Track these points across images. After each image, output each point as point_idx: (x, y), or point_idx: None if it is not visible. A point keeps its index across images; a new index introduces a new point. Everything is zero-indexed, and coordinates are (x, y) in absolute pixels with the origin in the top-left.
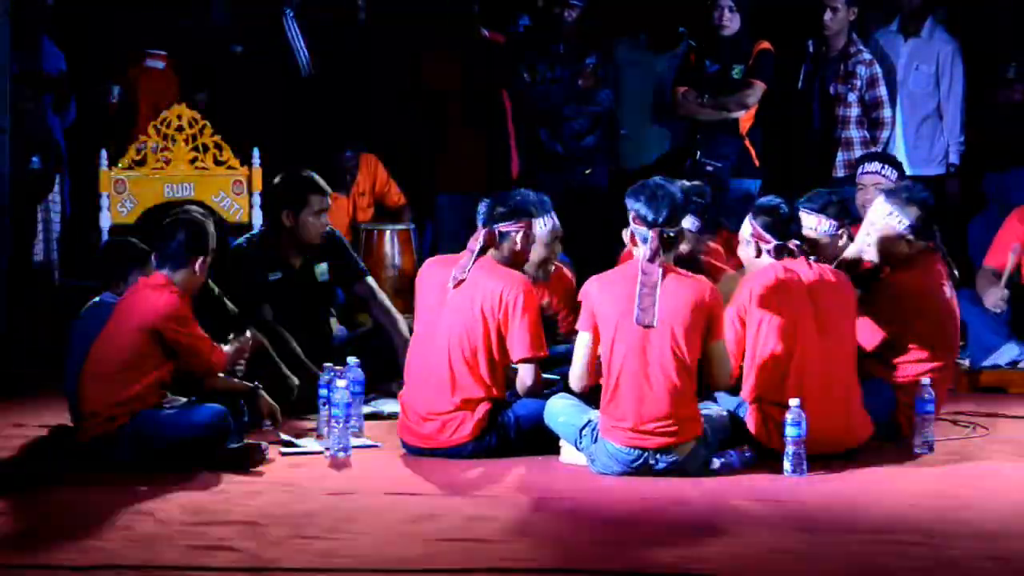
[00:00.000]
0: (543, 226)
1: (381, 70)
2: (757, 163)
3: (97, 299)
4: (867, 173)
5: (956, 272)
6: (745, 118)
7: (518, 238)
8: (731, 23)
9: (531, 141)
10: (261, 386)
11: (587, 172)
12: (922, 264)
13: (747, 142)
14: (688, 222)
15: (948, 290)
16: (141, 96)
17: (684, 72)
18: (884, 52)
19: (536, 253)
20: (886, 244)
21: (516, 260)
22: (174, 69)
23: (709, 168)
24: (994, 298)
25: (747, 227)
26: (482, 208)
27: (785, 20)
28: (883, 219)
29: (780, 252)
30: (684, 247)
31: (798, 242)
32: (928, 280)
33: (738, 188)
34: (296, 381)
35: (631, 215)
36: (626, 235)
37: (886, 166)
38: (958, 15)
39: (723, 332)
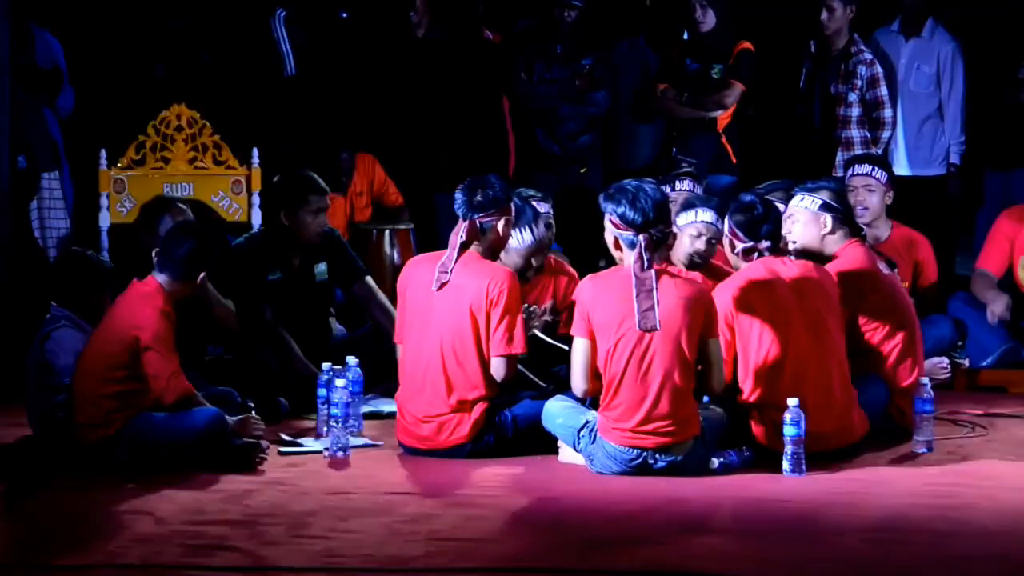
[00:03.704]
0: (519, 241)
1: (377, 69)
2: (735, 160)
3: (53, 319)
4: (858, 175)
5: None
6: (723, 116)
7: (499, 226)
8: (705, 18)
9: (527, 141)
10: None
11: (582, 172)
12: (850, 252)
13: (724, 140)
14: (709, 215)
15: (884, 268)
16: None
17: (665, 69)
18: (885, 52)
19: (511, 262)
20: (812, 242)
21: (497, 248)
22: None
23: (685, 165)
24: (999, 309)
25: (726, 222)
26: (459, 198)
27: (786, 20)
28: (807, 219)
29: (748, 254)
30: (699, 245)
31: (769, 243)
32: (860, 264)
33: (717, 182)
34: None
35: (612, 220)
36: (609, 239)
37: (876, 168)
38: (963, 16)
39: (718, 331)
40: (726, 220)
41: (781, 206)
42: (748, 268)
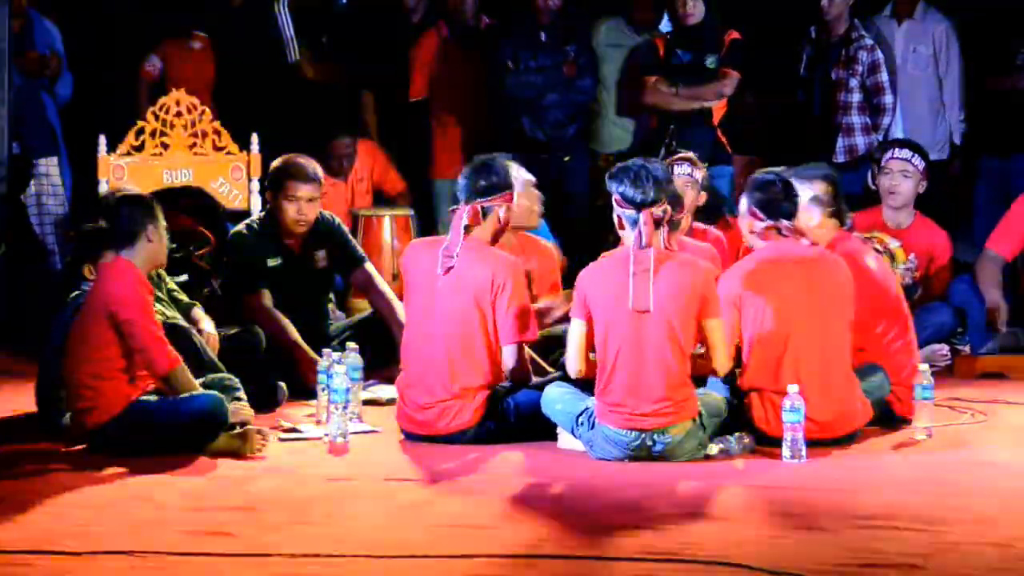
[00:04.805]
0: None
1: (373, 55)
2: (730, 150)
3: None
4: (897, 159)
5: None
6: (717, 109)
7: (501, 212)
8: (695, 10)
9: (513, 129)
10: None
11: (567, 159)
12: (839, 246)
13: (719, 131)
14: None
15: (872, 262)
16: (177, 74)
17: (653, 62)
18: (884, 38)
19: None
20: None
21: (499, 233)
22: (211, 50)
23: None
24: (1002, 316)
25: (743, 202)
26: (462, 182)
27: (787, 6)
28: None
29: (767, 233)
30: None
31: (788, 223)
32: (848, 260)
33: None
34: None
35: (615, 199)
36: (615, 219)
37: (916, 155)
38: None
39: (718, 311)
40: (743, 197)
41: (808, 190)
42: (762, 250)
